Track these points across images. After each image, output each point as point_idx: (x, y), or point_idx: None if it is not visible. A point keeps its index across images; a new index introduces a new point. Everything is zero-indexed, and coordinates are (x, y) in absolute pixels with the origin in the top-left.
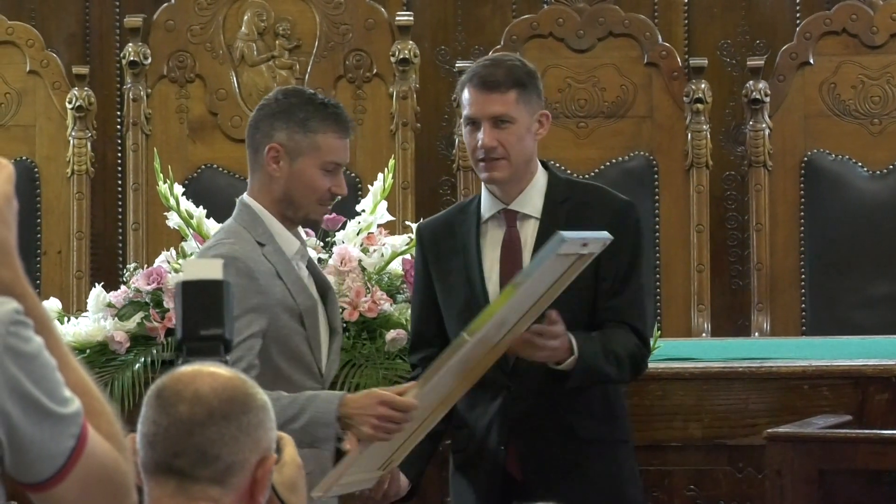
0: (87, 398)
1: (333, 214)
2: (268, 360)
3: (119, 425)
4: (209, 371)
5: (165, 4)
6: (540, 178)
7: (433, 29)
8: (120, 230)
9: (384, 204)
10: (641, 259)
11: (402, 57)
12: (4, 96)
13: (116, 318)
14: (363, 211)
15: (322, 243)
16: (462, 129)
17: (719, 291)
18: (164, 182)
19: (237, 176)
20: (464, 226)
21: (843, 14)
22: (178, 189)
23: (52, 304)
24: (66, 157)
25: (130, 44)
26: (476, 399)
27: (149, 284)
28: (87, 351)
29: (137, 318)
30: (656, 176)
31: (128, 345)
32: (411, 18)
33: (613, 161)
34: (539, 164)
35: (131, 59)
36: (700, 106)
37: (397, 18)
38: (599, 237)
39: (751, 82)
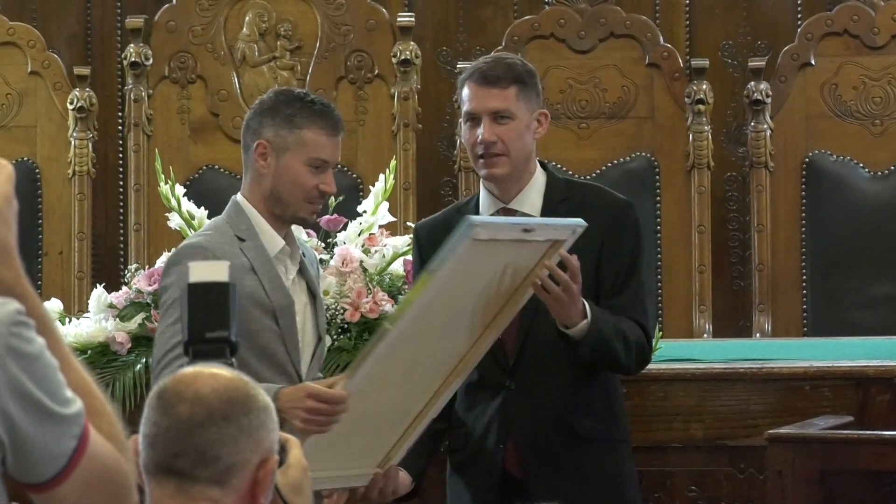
0: (88, 399)
1: (335, 215)
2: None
3: (120, 426)
4: (210, 372)
5: (167, 5)
6: (539, 178)
7: (434, 30)
8: (121, 231)
9: (385, 205)
10: (641, 258)
11: (403, 58)
12: (6, 97)
13: (118, 319)
14: (365, 212)
15: (324, 244)
16: (462, 126)
17: (721, 292)
18: (166, 183)
19: (238, 177)
20: None
21: (845, 15)
22: (180, 190)
23: (54, 305)
24: (68, 157)
25: (132, 45)
26: (475, 398)
27: (150, 285)
28: (89, 352)
29: (139, 318)
30: (658, 177)
31: (129, 345)
32: (413, 19)
33: (615, 162)
34: (538, 163)
35: (133, 59)
36: (701, 107)
37: (399, 19)
38: (562, 223)
39: (752, 83)
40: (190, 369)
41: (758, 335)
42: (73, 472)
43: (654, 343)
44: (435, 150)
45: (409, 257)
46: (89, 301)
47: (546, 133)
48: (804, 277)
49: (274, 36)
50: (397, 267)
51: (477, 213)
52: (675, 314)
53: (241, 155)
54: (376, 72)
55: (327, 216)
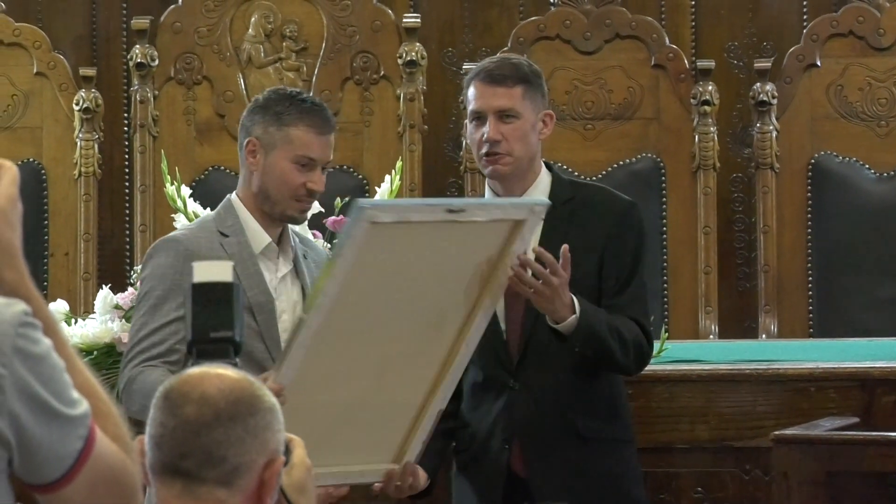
0: (93, 400)
1: (341, 216)
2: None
3: (125, 427)
4: (216, 373)
5: (172, 6)
6: (543, 179)
7: (440, 31)
8: (127, 232)
9: None
10: (644, 259)
11: (409, 59)
12: (11, 98)
13: (124, 320)
14: None
15: (329, 245)
16: (467, 126)
17: (726, 293)
18: (172, 184)
19: None
20: None
21: (850, 16)
22: (186, 191)
23: (60, 306)
24: (74, 158)
25: (137, 46)
26: (480, 398)
27: None
28: (95, 353)
29: None
30: (663, 178)
31: None
32: (418, 20)
33: (620, 163)
34: (543, 164)
35: (138, 60)
36: (707, 108)
37: (404, 20)
38: (514, 202)
39: (758, 84)
40: (196, 370)
41: (763, 336)
42: (80, 473)
43: (660, 344)
44: (441, 152)
45: None
46: (95, 302)
47: (552, 134)
48: (810, 278)
49: (279, 37)
50: None
51: None
52: (681, 315)
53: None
54: (382, 73)
55: (333, 217)
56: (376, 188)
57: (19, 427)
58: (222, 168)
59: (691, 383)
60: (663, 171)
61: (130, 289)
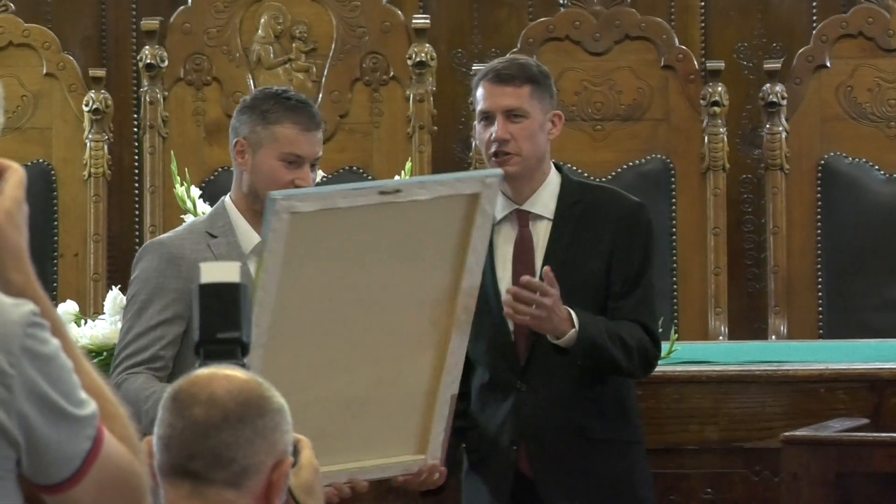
0: (100, 401)
1: None
2: (192, 348)
3: (133, 428)
4: (225, 374)
5: (182, 7)
6: (553, 180)
7: (449, 32)
8: (136, 233)
9: None
10: (652, 260)
11: (418, 60)
12: (21, 99)
13: None
14: None
15: None
16: (476, 126)
17: (736, 294)
18: (181, 185)
19: None
20: None
21: (860, 17)
22: (195, 192)
23: (69, 307)
24: (83, 159)
25: (147, 46)
26: (487, 399)
27: None
28: (104, 353)
29: None
30: (673, 179)
31: None
32: (428, 21)
33: (630, 164)
34: (552, 165)
35: (148, 61)
36: (716, 109)
37: (414, 21)
38: (462, 176)
39: (767, 85)
40: (204, 371)
41: (773, 337)
42: (88, 474)
43: (670, 345)
44: (450, 153)
45: None
46: (105, 303)
47: (561, 135)
48: (819, 279)
49: (289, 38)
50: None
51: None
52: (691, 316)
53: None
54: (391, 74)
55: None
56: None
57: (28, 427)
58: (231, 169)
59: (701, 384)
60: (672, 172)
61: None
